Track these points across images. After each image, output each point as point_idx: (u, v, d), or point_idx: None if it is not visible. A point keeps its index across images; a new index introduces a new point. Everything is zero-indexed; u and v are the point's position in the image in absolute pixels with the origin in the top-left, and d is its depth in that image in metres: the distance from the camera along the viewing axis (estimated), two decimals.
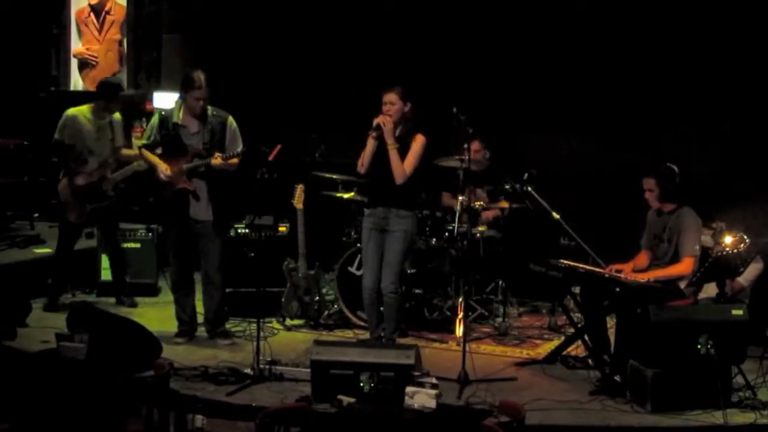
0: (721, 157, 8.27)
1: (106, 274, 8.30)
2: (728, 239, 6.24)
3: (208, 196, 7.02)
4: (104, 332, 5.82)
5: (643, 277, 6.36)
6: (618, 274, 6.42)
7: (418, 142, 6.64)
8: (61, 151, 7.76)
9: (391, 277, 6.70)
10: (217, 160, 6.88)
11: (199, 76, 6.87)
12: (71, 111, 7.82)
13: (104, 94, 7.84)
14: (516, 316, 8.32)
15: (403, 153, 6.61)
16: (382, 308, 6.88)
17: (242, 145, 7.03)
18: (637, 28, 8.62)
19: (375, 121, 6.60)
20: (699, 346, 5.73)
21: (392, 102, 6.63)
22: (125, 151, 7.97)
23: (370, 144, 6.67)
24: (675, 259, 6.44)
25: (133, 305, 8.10)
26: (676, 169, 6.52)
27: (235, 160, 6.98)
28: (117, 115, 7.95)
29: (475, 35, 9.16)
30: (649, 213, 6.74)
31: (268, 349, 6.54)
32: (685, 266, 6.37)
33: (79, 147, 7.76)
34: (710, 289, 6.73)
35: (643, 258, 6.67)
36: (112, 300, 8.18)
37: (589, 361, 6.63)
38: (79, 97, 8.31)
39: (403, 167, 6.59)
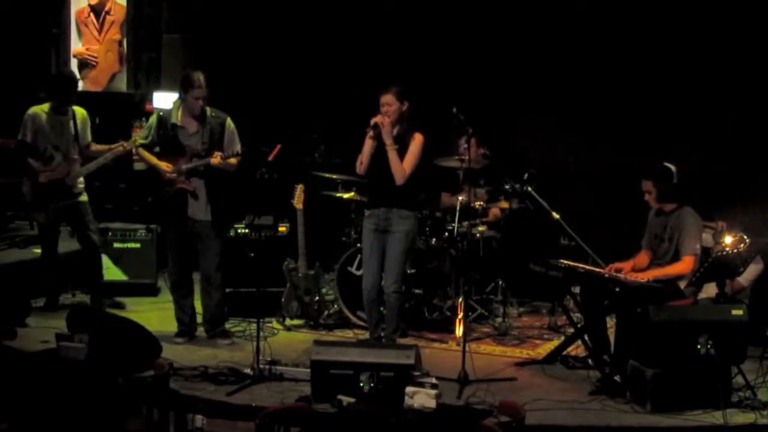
0: (722, 156, 8.27)
1: (106, 274, 8.28)
2: (728, 239, 6.24)
3: (207, 196, 7.02)
4: (104, 332, 5.83)
5: (642, 277, 6.36)
6: (617, 274, 6.42)
7: (417, 141, 6.64)
8: (24, 151, 7.73)
9: (393, 277, 6.70)
10: (216, 159, 6.89)
11: (198, 76, 6.89)
12: (32, 109, 7.79)
13: (56, 88, 7.79)
14: (516, 316, 8.32)
15: (401, 152, 6.61)
16: (382, 308, 6.89)
17: (240, 146, 7.03)
18: (637, 28, 8.62)
19: (372, 121, 6.61)
20: (699, 346, 5.73)
21: (389, 103, 6.62)
22: (95, 147, 7.94)
23: (368, 144, 6.66)
24: (675, 258, 6.44)
25: (117, 306, 8.01)
26: (673, 168, 6.51)
27: (233, 161, 6.98)
28: (82, 111, 7.91)
29: (475, 35, 9.17)
30: (650, 213, 6.74)
31: (268, 349, 6.54)
32: (685, 265, 6.37)
33: (43, 144, 7.73)
34: (710, 289, 6.73)
35: (643, 257, 6.67)
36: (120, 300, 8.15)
37: (589, 361, 6.63)
38: (79, 98, 8.28)
39: (402, 167, 6.59)
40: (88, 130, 7.96)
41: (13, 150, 7.84)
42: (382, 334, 6.87)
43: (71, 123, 7.80)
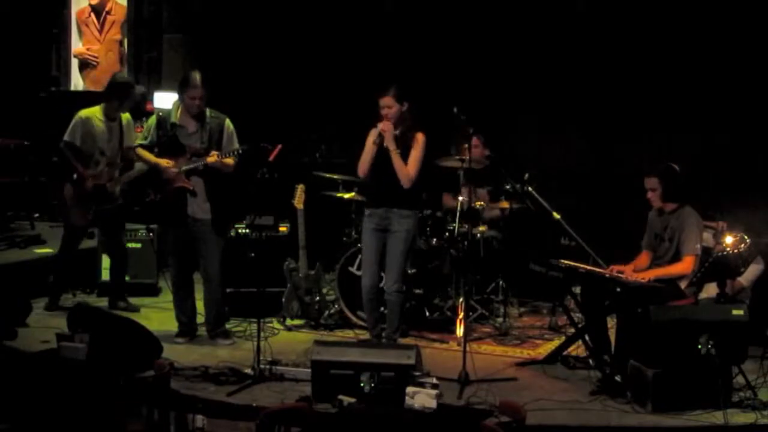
0: (722, 156, 8.27)
1: (106, 274, 8.26)
2: (728, 239, 6.24)
3: (207, 195, 7.01)
4: (104, 332, 5.83)
5: (643, 277, 6.36)
6: (619, 275, 6.42)
7: (419, 142, 6.65)
8: (72, 154, 7.72)
9: (394, 277, 6.71)
10: (213, 157, 6.88)
11: (195, 76, 6.88)
12: (84, 113, 7.73)
13: (118, 94, 7.76)
14: (516, 316, 8.32)
15: (404, 153, 6.62)
16: (382, 308, 6.89)
17: (238, 146, 7.03)
18: (637, 27, 8.62)
19: (377, 129, 6.60)
20: (699, 346, 5.73)
21: (389, 105, 6.65)
22: (140, 151, 7.94)
23: (371, 149, 6.68)
24: (676, 258, 6.44)
25: (132, 309, 7.95)
26: (677, 168, 6.53)
27: (230, 161, 6.97)
28: (126, 115, 7.92)
29: (475, 35, 9.16)
30: (651, 213, 6.74)
31: (269, 349, 6.54)
32: (685, 265, 6.37)
33: (92, 149, 7.71)
34: (711, 289, 6.73)
35: (644, 258, 6.67)
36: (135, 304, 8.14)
37: (590, 361, 6.62)
38: (79, 98, 8.28)
39: (407, 171, 6.60)
40: (133, 133, 7.97)
41: (59, 151, 7.82)
42: (383, 334, 6.88)
43: (119, 129, 7.81)
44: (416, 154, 6.63)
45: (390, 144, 6.59)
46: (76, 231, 7.92)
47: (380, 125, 6.61)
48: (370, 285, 6.82)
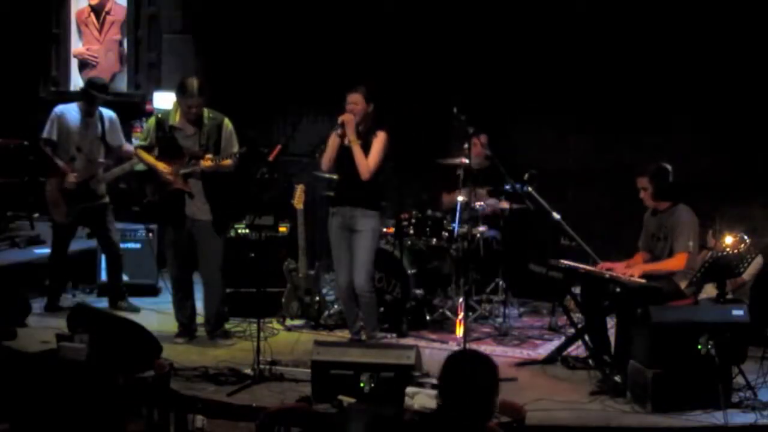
0: (722, 156, 8.27)
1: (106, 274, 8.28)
2: (728, 239, 6.24)
3: (205, 196, 7.01)
4: (104, 332, 5.82)
5: (634, 272, 6.32)
6: (613, 273, 6.40)
7: (380, 139, 6.74)
8: (51, 149, 7.72)
9: (364, 276, 6.77)
10: (207, 162, 6.86)
11: (192, 84, 6.86)
12: (60, 107, 7.81)
13: (91, 94, 7.78)
14: (516, 316, 8.32)
15: (365, 151, 6.71)
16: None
17: (238, 146, 7.03)
18: (637, 27, 8.62)
19: (339, 120, 6.69)
20: (699, 347, 5.73)
21: (356, 102, 6.75)
22: (128, 147, 7.94)
23: (334, 142, 6.79)
24: (671, 256, 6.43)
25: (132, 310, 7.94)
26: (669, 167, 6.51)
27: (227, 162, 6.96)
28: (110, 114, 7.92)
29: (475, 35, 9.15)
30: (646, 214, 6.74)
31: (269, 349, 6.54)
32: (677, 262, 6.34)
33: (66, 144, 7.73)
34: (710, 289, 6.72)
35: (639, 259, 6.65)
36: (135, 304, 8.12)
37: (590, 361, 6.62)
38: (79, 98, 8.30)
39: (367, 162, 6.67)
40: (119, 132, 7.97)
41: (37, 147, 7.82)
42: (363, 335, 6.92)
43: (98, 125, 7.80)
44: (377, 148, 6.71)
45: (351, 135, 6.67)
46: (60, 229, 7.90)
47: (342, 117, 6.69)
48: (345, 283, 6.88)
